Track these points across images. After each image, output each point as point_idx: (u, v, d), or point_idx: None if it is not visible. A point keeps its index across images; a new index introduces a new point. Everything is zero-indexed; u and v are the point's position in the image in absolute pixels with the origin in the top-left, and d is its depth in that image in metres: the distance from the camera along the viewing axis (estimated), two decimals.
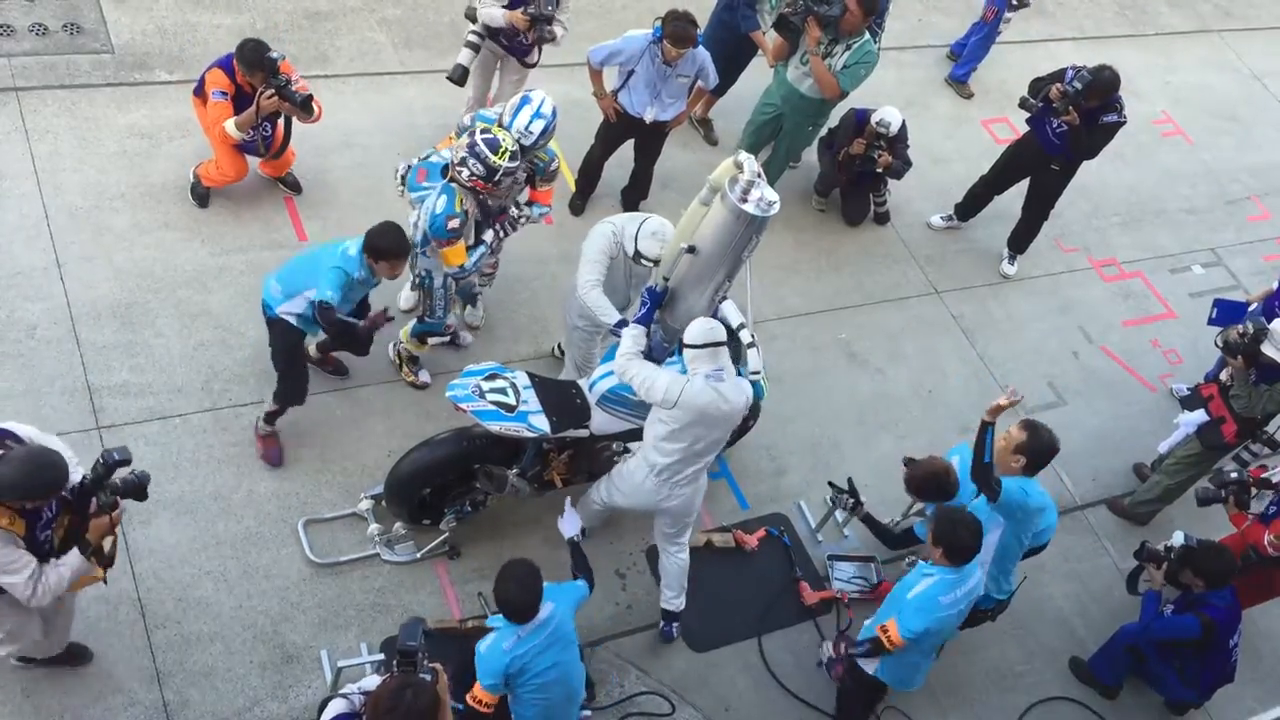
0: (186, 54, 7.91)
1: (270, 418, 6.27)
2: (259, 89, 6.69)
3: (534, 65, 7.72)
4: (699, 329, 5.37)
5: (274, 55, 6.63)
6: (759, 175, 5.06)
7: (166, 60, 7.87)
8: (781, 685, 6.36)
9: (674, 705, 6.08)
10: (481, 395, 5.72)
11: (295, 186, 7.58)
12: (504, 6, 7.21)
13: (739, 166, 5.05)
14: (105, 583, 4.72)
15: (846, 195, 8.68)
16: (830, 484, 6.70)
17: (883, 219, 8.80)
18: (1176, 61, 11.30)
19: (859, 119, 8.28)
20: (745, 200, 4.99)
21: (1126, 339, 8.75)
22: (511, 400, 5.76)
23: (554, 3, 7.21)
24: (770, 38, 7.93)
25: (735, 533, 6.78)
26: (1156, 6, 11.79)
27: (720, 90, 8.32)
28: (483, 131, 5.92)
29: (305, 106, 6.82)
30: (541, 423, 5.77)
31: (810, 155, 8.69)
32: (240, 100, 6.75)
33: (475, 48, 7.51)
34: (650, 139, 7.74)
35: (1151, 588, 6.42)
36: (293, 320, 5.93)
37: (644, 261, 6.01)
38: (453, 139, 6.45)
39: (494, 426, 5.65)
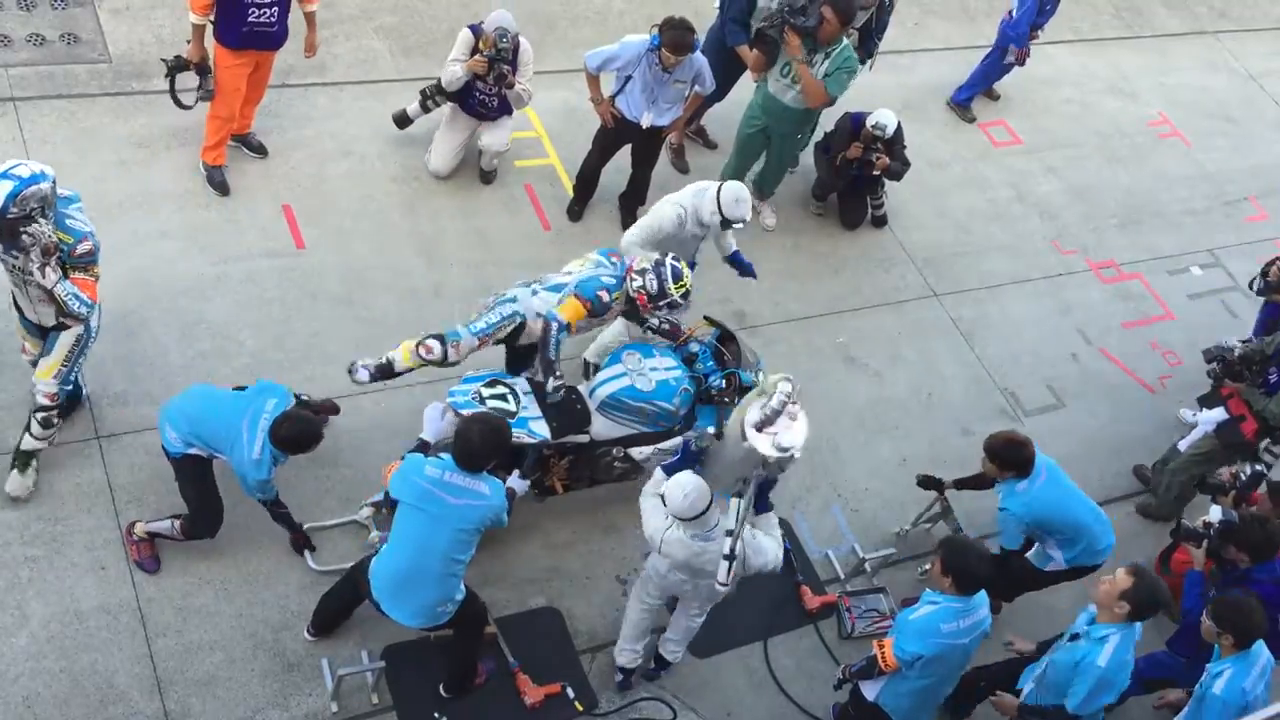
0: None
1: (156, 536, 5.80)
2: None
3: (502, 123, 7.75)
4: (678, 500, 5.09)
5: None
6: (792, 401, 4.82)
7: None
8: (783, 691, 6.35)
9: (675, 710, 6.07)
10: (481, 401, 5.77)
11: (260, 149, 7.58)
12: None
13: (770, 393, 4.92)
14: None
15: (844, 199, 8.68)
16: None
17: (880, 222, 8.81)
18: (1173, 63, 11.32)
19: (854, 123, 8.28)
20: (759, 431, 4.84)
21: (1125, 341, 8.75)
22: (511, 406, 5.81)
23: (506, 44, 7.20)
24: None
25: None
26: (1152, 8, 11.80)
27: (713, 99, 8.28)
28: (672, 258, 6.01)
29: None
30: (541, 428, 5.81)
31: (808, 158, 8.69)
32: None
33: (426, 105, 7.72)
34: (647, 144, 7.74)
35: (1193, 568, 6.23)
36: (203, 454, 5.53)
37: (736, 226, 6.48)
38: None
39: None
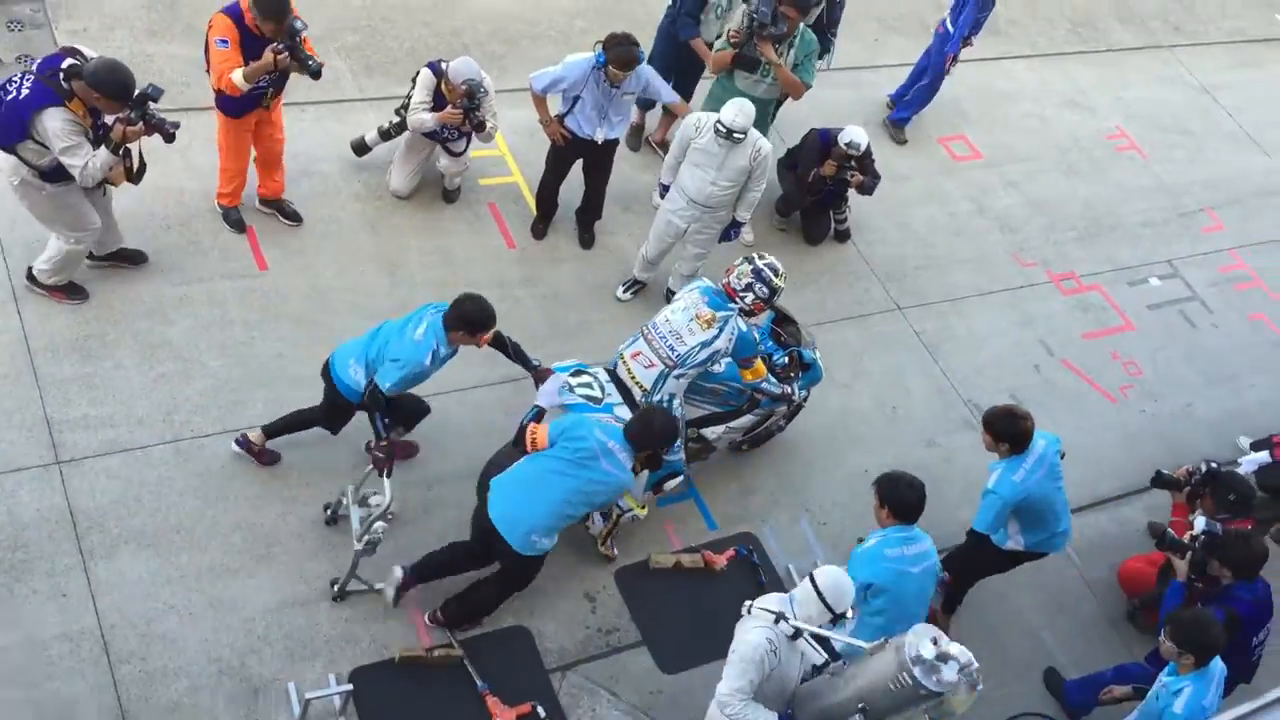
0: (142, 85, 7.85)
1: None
2: (273, 43, 6.44)
3: (462, 154, 7.78)
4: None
5: (298, 24, 6.50)
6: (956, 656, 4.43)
7: None
8: None
9: None
10: (571, 390, 6.23)
11: (294, 216, 7.60)
12: (428, 110, 7.29)
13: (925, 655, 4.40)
14: (135, 182, 6.26)
15: (807, 215, 8.74)
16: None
17: (843, 236, 8.87)
18: (1129, 77, 11.48)
19: (823, 139, 8.34)
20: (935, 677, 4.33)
21: (1086, 352, 8.84)
22: (598, 393, 6.27)
23: (480, 95, 7.22)
24: (717, 45, 7.91)
25: (704, 553, 6.78)
26: (1108, 23, 11.98)
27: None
28: (761, 259, 6.42)
29: (316, 73, 6.69)
30: (625, 412, 6.16)
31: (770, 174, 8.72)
32: (248, 47, 6.49)
33: (385, 135, 7.72)
34: (600, 158, 7.78)
35: (1176, 579, 6.22)
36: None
37: (721, 128, 6.90)
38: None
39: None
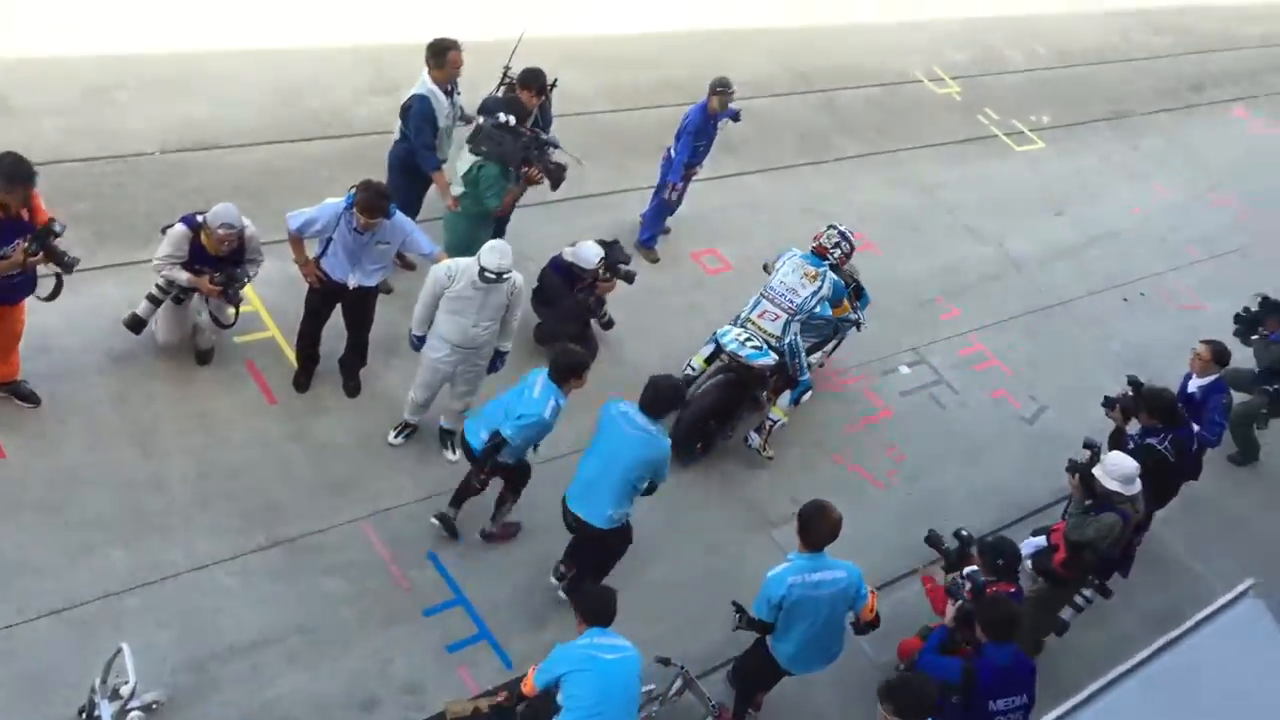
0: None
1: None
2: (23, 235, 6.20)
3: (230, 325, 7.64)
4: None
5: (56, 226, 6.29)
6: None
7: None
8: None
9: None
10: (742, 345, 8.27)
11: (30, 398, 7.13)
12: (184, 266, 7.17)
13: None
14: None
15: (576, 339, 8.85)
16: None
17: (609, 325, 9.12)
18: (858, 182, 12.34)
19: (559, 270, 8.71)
20: None
21: (853, 443, 9.26)
22: (760, 344, 8.30)
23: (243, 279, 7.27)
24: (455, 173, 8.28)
25: (502, 692, 6.56)
26: (831, 136, 12.88)
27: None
28: (842, 224, 8.80)
29: (70, 267, 6.42)
30: (769, 360, 8.30)
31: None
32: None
33: (157, 301, 7.43)
34: (359, 305, 7.70)
35: (945, 624, 6.55)
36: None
37: (488, 274, 7.02)
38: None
39: (758, 362, 8.26)
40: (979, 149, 13.71)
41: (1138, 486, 7.27)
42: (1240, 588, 5.45)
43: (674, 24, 13.42)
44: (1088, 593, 7.60)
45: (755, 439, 8.68)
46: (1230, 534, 9.53)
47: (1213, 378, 8.69)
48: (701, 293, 10.09)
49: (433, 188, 8.58)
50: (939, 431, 9.68)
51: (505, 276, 7.06)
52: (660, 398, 6.70)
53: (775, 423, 8.67)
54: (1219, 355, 8.68)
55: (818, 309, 8.46)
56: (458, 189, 8.35)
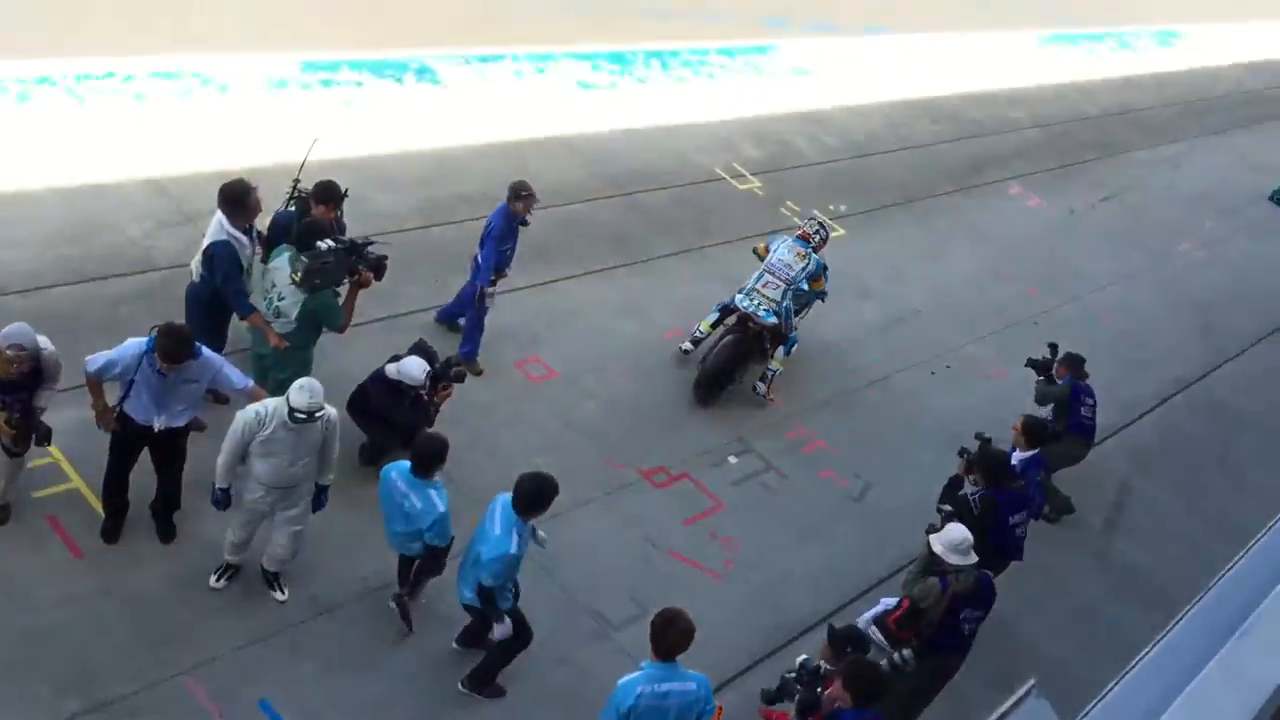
0: None
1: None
2: None
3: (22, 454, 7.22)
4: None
5: None
6: None
7: None
8: None
9: None
10: (756, 307, 10.73)
11: None
12: None
13: None
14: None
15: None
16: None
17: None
18: (673, 280, 12.62)
19: (383, 383, 8.54)
20: None
21: (689, 537, 9.33)
22: (767, 307, 10.72)
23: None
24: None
25: None
26: (646, 236, 13.19)
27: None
28: (820, 217, 12.01)
29: None
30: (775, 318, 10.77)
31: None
32: None
33: None
34: (166, 448, 7.38)
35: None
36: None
37: (299, 415, 6.76)
38: None
39: (768, 321, 10.67)
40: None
41: (971, 558, 7.51)
42: (1022, 690, 5.61)
43: (478, 137, 13.61)
44: (907, 653, 7.67)
45: (761, 387, 11.08)
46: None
47: (1032, 452, 9.19)
48: (529, 402, 10.08)
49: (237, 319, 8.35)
50: (772, 518, 9.86)
51: (317, 416, 6.86)
52: (546, 491, 6.85)
53: (775, 373, 11.08)
54: (1028, 429, 9.21)
55: (802, 283, 10.93)
56: (281, 323, 8.06)
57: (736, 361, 10.72)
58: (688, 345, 11.13)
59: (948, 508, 8.13)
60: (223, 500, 7.18)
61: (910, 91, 20.31)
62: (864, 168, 16.81)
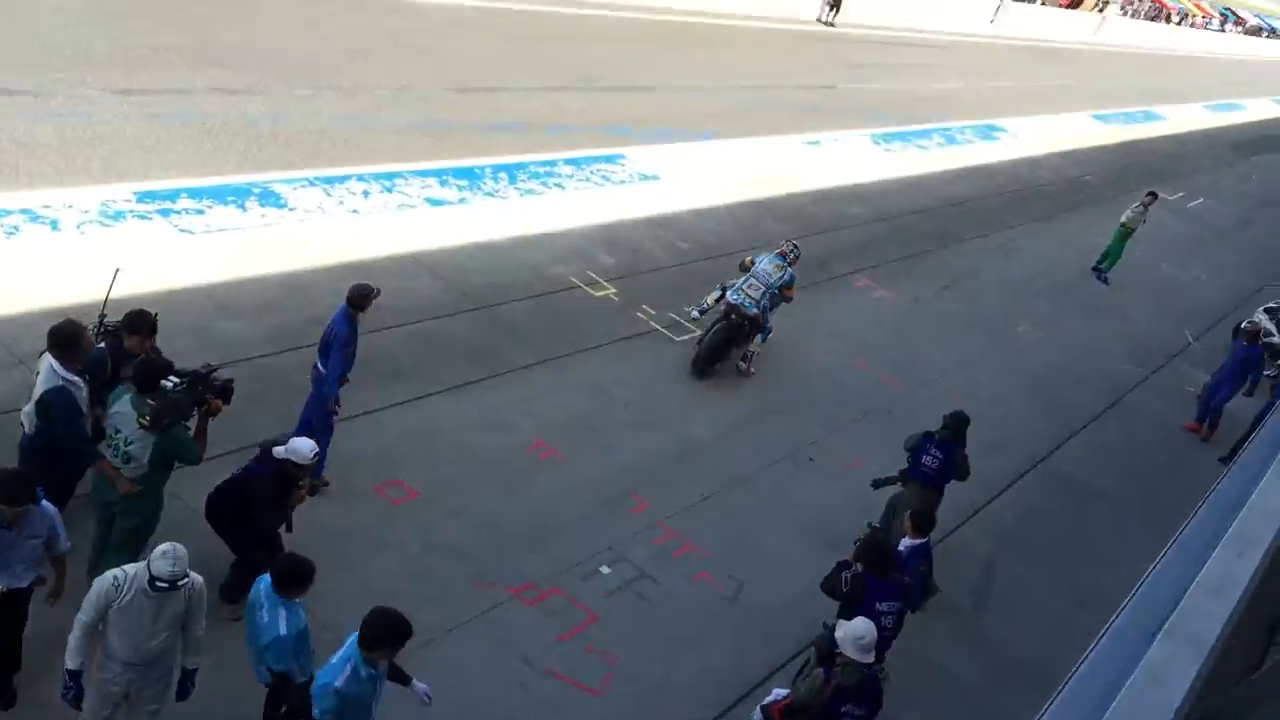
0: None
1: None
2: None
3: None
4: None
5: None
6: None
7: None
8: None
9: None
10: (744, 300, 13.85)
11: None
12: None
13: None
14: None
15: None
16: None
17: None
18: (534, 391, 12.51)
19: (269, 470, 8.19)
20: None
21: (565, 656, 9.08)
22: (752, 302, 13.86)
23: None
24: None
25: None
26: (504, 348, 13.07)
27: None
28: (796, 240, 15.00)
29: None
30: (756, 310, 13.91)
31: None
32: None
33: None
34: (9, 610, 6.85)
35: None
36: None
37: (160, 584, 6.27)
38: None
39: (751, 311, 13.79)
40: (643, 344, 14.36)
41: (868, 657, 7.50)
42: None
43: (327, 258, 13.40)
44: None
45: (743, 365, 14.22)
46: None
47: (920, 541, 9.34)
48: (390, 526, 9.76)
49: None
50: (648, 626, 9.70)
51: (180, 584, 6.37)
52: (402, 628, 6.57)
53: (754, 354, 14.24)
54: (915, 519, 9.36)
55: (776, 289, 14.06)
56: (132, 468, 7.55)
57: (727, 342, 13.91)
58: (696, 313, 14.31)
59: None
60: (74, 690, 6.47)
61: (754, 192, 20.96)
62: (716, 269, 17.11)
